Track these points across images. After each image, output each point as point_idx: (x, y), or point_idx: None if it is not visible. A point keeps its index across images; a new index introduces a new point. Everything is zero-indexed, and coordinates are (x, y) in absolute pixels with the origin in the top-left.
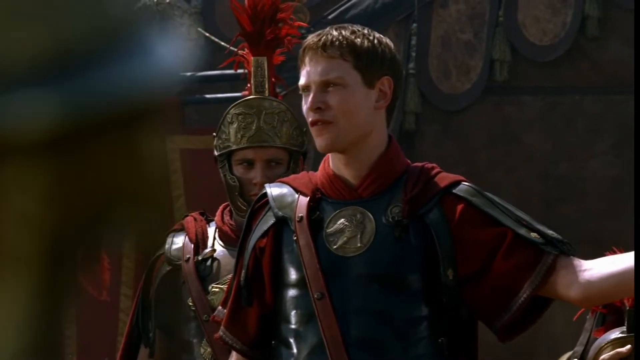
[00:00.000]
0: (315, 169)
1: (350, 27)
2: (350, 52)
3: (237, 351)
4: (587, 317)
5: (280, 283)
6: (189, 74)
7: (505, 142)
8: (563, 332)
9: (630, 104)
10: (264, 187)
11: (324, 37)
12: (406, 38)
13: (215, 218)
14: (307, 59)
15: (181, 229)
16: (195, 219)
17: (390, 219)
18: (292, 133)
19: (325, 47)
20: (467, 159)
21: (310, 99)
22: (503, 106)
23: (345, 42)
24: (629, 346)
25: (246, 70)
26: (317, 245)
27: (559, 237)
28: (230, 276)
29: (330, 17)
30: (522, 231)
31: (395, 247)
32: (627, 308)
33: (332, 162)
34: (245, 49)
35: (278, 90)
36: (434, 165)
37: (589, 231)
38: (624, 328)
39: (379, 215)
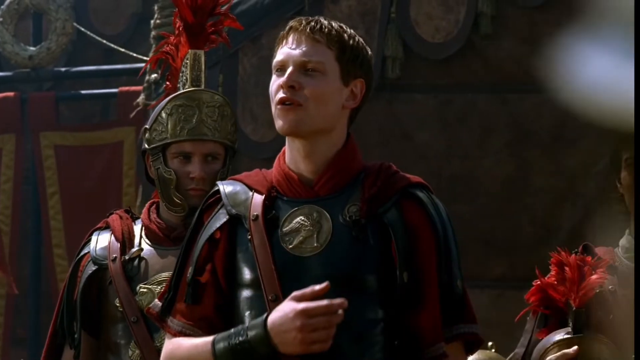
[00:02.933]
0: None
1: (336, 22)
2: (336, 42)
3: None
4: (528, 318)
5: (235, 283)
6: (63, 69)
7: (397, 140)
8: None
9: (523, 103)
10: (216, 184)
11: (312, 22)
12: None
13: (142, 216)
14: (289, 38)
15: (106, 227)
16: (120, 217)
17: (348, 218)
18: (230, 129)
19: (313, 30)
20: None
21: (286, 76)
22: (395, 104)
23: (333, 31)
24: (575, 347)
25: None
26: (272, 244)
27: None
28: (166, 274)
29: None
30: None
31: (353, 247)
32: (574, 309)
33: (288, 157)
34: (168, 45)
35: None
36: (391, 164)
37: (482, 230)
38: (569, 329)
39: (336, 214)
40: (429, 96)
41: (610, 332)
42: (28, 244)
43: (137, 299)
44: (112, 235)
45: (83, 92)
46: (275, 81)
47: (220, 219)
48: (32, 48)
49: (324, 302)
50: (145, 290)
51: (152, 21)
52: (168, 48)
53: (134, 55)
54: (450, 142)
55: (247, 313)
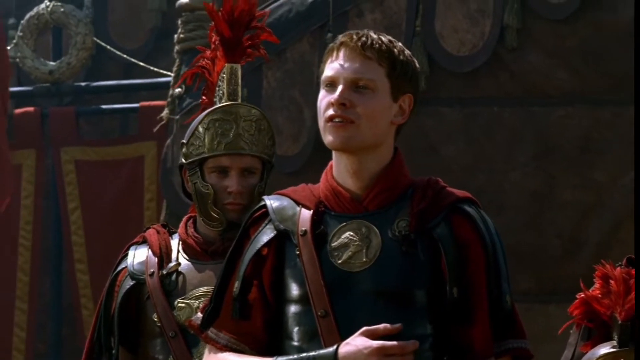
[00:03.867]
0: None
1: (385, 35)
2: (387, 59)
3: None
4: (571, 331)
5: (282, 298)
6: (83, 84)
7: (423, 153)
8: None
9: (550, 116)
10: (262, 199)
11: (363, 37)
12: (321, 48)
13: (179, 230)
14: (340, 54)
15: (143, 242)
16: (157, 231)
17: (397, 233)
18: (267, 142)
19: (364, 47)
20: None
21: (337, 93)
22: (421, 117)
23: (384, 47)
24: None
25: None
26: (321, 260)
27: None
28: (204, 289)
29: None
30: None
31: (402, 262)
32: (620, 322)
33: (336, 171)
34: (204, 59)
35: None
36: (439, 179)
37: (508, 244)
38: (614, 342)
39: (385, 229)
40: (455, 109)
41: None
42: (49, 259)
43: (175, 314)
44: (150, 249)
45: (104, 106)
46: (325, 97)
47: (267, 234)
48: (52, 63)
49: (399, 342)
50: (183, 305)
51: (175, 35)
52: (204, 62)
53: (154, 69)
54: (476, 155)
55: (295, 329)
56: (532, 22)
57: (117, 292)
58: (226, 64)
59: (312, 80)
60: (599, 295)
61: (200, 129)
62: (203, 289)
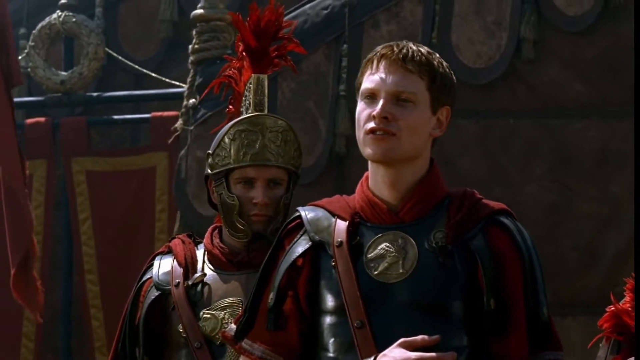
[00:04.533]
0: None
1: (423, 46)
2: (427, 72)
3: None
4: (601, 344)
5: (317, 309)
6: (95, 94)
7: (439, 165)
8: None
9: (566, 129)
10: (296, 210)
11: (404, 49)
12: (336, 59)
13: (205, 240)
14: (381, 66)
15: (168, 252)
16: (183, 242)
17: (434, 245)
18: (294, 154)
19: (405, 59)
20: None
21: (379, 106)
22: None
23: (424, 59)
24: None
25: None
26: (357, 271)
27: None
28: (230, 300)
29: None
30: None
31: (439, 274)
32: None
33: (372, 182)
34: (231, 69)
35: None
36: (475, 191)
37: None
38: None
39: (422, 240)
40: (471, 121)
41: None
42: (59, 269)
43: (201, 325)
44: (175, 260)
45: (115, 117)
46: (365, 109)
47: (302, 245)
48: (63, 73)
49: (437, 354)
50: (208, 316)
51: (190, 46)
52: (231, 72)
53: (166, 80)
54: (492, 168)
55: (331, 340)
56: (548, 34)
57: (142, 302)
58: (253, 75)
59: (327, 91)
60: (630, 309)
61: (226, 140)
62: (229, 300)
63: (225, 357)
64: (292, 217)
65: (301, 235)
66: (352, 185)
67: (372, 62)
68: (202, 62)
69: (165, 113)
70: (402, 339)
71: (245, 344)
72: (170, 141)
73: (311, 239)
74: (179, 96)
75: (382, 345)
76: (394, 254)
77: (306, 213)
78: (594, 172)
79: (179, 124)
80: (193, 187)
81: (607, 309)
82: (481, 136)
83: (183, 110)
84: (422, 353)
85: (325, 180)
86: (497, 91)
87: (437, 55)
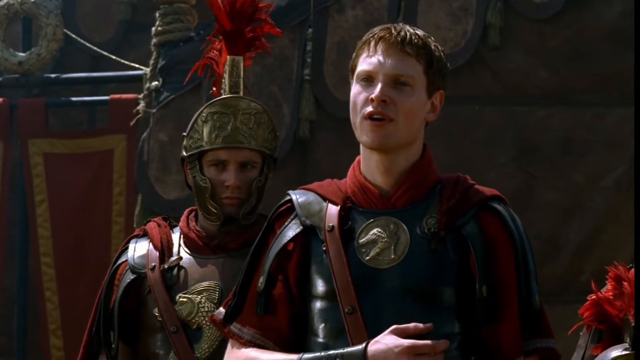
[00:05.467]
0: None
1: (419, 29)
2: (425, 55)
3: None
4: (581, 333)
5: (308, 294)
6: (52, 75)
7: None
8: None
9: (531, 116)
10: (287, 194)
11: (402, 32)
12: (301, 43)
13: (180, 224)
14: (379, 49)
15: (143, 235)
16: (158, 225)
17: (426, 231)
18: (268, 136)
19: (404, 42)
20: None
21: (378, 90)
22: None
23: (421, 42)
24: None
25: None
26: (349, 256)
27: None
28: (206, 283)
29: None
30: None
31: (431, 260)
32: (633, 324)
33: (364, 167)
34: (213, 51)
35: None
36: (467, 177)
37: None
38: (627, 345)
39: (414, 226)
40: None
41: None
42: (15, 251)
43: (177, 309)
44: (151, 243)
45: (73, 99)
46: (362, 92)
47: (293, 229)
48: (21, 54)
49: (431, 341)
50: (185, 299)
51: (153, 28)
52: (213, 54)
53: (125, 62)
54: (455, 154)
55: (321, 325)
56: (514, 21)
57: (117, 285)
58: (228, 56)
59: (291, 75)
60: (611, 297)
61: (200, 122)
62: (205, 284)
63: (202, 342)
64: (282, 200)
65: (292, 220)
66: (315, 170)
67: (369, 44)
68: (165, 45)
69: (124, 95)
70: (394, 326)
71: (234, 327)
72: (132, 123)
73: (302, 223)
74: (138, 78)
75: (373, 331)
76: (385, 239)
77: (297, 197)
78: (557, 161)
79: (141, 106)
80: (154, 170)
81: (588, 297)
82: (445, 122)
83: (145, 92)
84: (414, 340)
85: (288, 165)
86: (462, 77)
87: (433, 38)
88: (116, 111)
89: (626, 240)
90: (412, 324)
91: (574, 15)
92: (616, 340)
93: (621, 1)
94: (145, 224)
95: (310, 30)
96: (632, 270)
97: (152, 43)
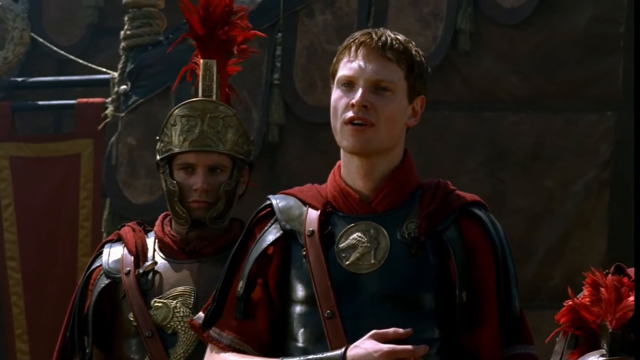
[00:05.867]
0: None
1: (400, 34)
2: (406, 60)
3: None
4: (557, 339)
5: (287, 299)
6: (19, 79)
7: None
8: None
9: (501, 122)
10: (267, 198)
11: (382, 36)
12: (271, 48)
13: (155, 228)
14: (360, 54)
15: (118, 240)
16: (133, 229)
17: (407, 235)
18: (238, 140)
19: (384, 48)
20: None
21: (359, 94)
22: None
23: (402, 47)
24: None
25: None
26: (328, 261)
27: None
28: (181, 288)
29: None
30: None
31: (411, 265)
32: (610, 330)
33: (345, 172)
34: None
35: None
36: (448, 182)
37: None
38: (603, 351)
39: (394, 231)
40: None
41: None
42: None
43: (152, 314)
44: (125, 248)
45: (40, 102)
46: (343, 97)
47: (273, 233)
48: None
49: (410, 346)
50: (160, 304)
51: (122, 32)
52: (197, 59)
53: (92, 66)
54: (426, 159)
55: (300, 330)
56: (485, 26)
57: (91, 290)
58: (201, 60)
59: (260, 80)
60: (588, 303)
61: (169, 125)
62: (180, 289)
63: (177, 346)
64: (262, 205)
65: (272, 224)
66: (284, 174)
67: (350, 49)
68: (134, 49)
69: (91, 100)
70: (374, 331)
71: (214, 332)
72: (100, 127)
73: (282, 228)
74: (105, 82)
75: (353, 335)
76: (365, 244)
77: (277, 201)
78: (527, 166)
79: (109, 110)
80: (123, 174)
81: (565, 303)
82: (415, 128)
83: (114, 96)
84: (394, 345)
85: (257, 169)
86: (432, 83)
87: (414, 43)
88: (83, 115)
89: (595, 246)
90: (391, 329)
91: (544, 20)
92: (593, 347)
93: (591, 7)
94: (119, 229)
95: (279, 34)
96: (610, 276)
97: (121, 47)
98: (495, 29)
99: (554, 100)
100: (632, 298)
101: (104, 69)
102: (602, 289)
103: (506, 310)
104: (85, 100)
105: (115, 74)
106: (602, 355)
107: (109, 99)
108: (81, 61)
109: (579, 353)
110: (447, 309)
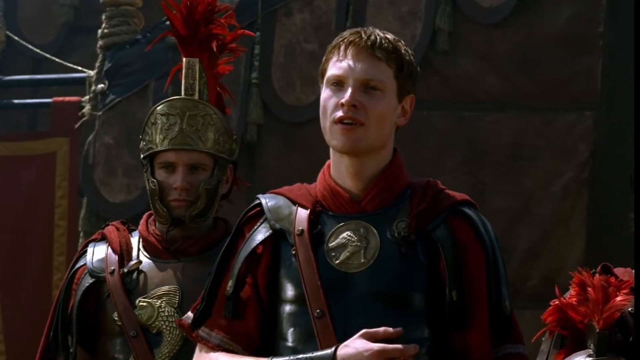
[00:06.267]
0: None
1: (389, 33)
2: (395, 60)
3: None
4: (544, 338)
5: (277, 298)
6: None
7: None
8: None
9: (480, 122)
10: (257, 197)
11: (372, 36)
12: (249, 47)
13: (140, 228)
14: (349, 53)
15: (102, 239)
16: (117, 228)
17: (396, 234)
18: (219, 138)
19: (373, 47)
20: (311, 173)
21: (348, 94)
22: None
23: (391, 47)
24: None
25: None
26: (318, 260)
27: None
28: (166, 288)
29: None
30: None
31: (401, 264)
32: (597, 330)
33: (334, 172)
34: None
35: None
36: (438, 181)
37: None
38: (590, 351)
39: (384, 230)
40: None
41: (632, 355)
42: None
43: (137, 313)
44: (109, 247)
45: (15, 101)
46: (332, 97)
47: (262, 232)
48: None
49: (400, 345)
50: (144, 304)
51: (99, 31)
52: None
53: (67, 64)
54: (405, 159)
55: (290, 330)
56: (463, 26)
57: (75, 289)
58: (184, 59)
59: (239, 79)
60: (575, 303)
61: (150, 123)
62: (165, 288)
63: (162, 346)
64: (252, 204)
65: (261, 223)
66: (263, 173)
67: (339, 49)
68: (111, 47)
69: (67, 98)
70: (364, 330)
71: (203, 332)
72: (77, 126)
73: (271, 227)
74: (80, 81)
75: (342, 335)
76: (355, 243)
77: (267, 201)
78: (506, 166)
79: (86, 109)
80: (100, 173)
81: (552, 303)
82: None
83: (91, 95)
84: (384, 344)
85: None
86: None
87: (403, 42)
88: (58, 114)
89: (574, 246)
90: (381, 328)
91: (522, 20)
92: (579, 346)
93: (570, 6)
94: (102, 228)
95: (258, 33)
96: (597, 276)
97: (98, 45)
98: (474, 29)
99: (533, 100)
100: (619, 298)
101: (80, 68)
102: (589, 289)
103: (497, 309)
104: (60, 99)
105: (92, 73)
106: (589, 356)
107: (85, 98)
108: (57, 59)
109: (565, 353)
110: (437, 309)
